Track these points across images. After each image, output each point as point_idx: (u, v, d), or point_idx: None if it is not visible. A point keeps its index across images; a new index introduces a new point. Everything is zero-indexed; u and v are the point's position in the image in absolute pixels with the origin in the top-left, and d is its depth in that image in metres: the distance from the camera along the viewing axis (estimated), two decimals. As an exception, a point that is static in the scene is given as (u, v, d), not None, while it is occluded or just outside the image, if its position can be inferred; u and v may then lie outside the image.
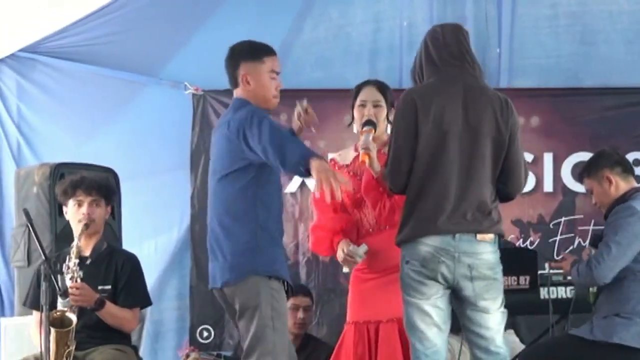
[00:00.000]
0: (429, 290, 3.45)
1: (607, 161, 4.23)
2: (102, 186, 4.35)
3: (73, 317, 3.90)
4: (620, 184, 4.21)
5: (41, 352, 3.68)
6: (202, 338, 6.00)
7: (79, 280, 4.03)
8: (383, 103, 4.04)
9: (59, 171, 4.98)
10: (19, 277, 5.03)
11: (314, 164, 3.33)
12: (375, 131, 3.94)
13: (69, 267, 4.05)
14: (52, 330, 3.84)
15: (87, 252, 4.26)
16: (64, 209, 4.32)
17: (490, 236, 3.48)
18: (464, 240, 3.44)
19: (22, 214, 4.09)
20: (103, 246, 4.32)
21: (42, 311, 3.67)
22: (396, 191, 3.59)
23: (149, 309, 4.62)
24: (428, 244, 3.44)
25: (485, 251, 3.47)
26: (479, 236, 3.46)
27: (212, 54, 6.10)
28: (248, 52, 3.70)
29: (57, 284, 3.75)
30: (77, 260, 4.05)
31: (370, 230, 4.01)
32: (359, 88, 4.07)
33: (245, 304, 3.50)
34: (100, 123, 6.11)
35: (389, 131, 4.06)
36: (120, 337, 4.24)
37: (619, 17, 6.06)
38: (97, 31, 5.97)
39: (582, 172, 4.32)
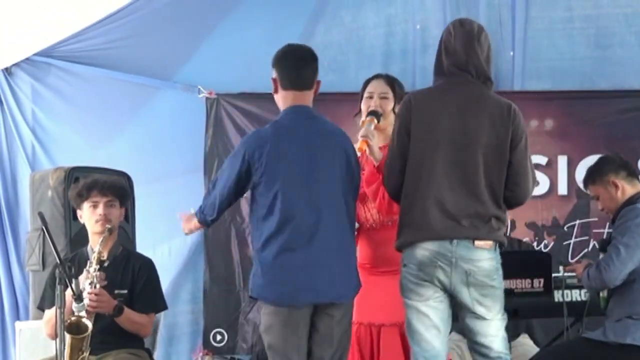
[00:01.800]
0: (426, 292, 3.47)
1: (611, 166, 4.23)
2: (117, 187, 4.35)
3: (89, 324, 3.89)
4: (627, 188, 4.20)
5: (56, 355, 3.69)
6: (216, 342, 6.01)
7: (97, 286, 4.02)
8: (390, 95, 4.02)
9: (73, 175, 4.99)
10: (33, 281, 5.05)
11: None
12: (378, 121, 3.94)
13: (89, 272, 4.05)
14: (67, 336, 3.83)
15: (103, 256, 4.24)
16: (78, 212, 4.32)
17: (488, 243, 3.47)
18: (461, 246, 3.45)
19: (37, 218, 4.08)
20: (119, 249, 4.32)
21: (57, 315, 3.67)
22: (390, 191, 3.63)
23: (162, 312, 4.62)
24: (426, 248, 3.46)
25: (482, 258, 3.46)
26: (476, 243, 3.46)
27: (225, 57, 6.16)
28: None
29: (72, 288, 3.75)
30: (97, 266, 4.05)
31: (374, 225, 3.99)
32: (367, 81, 4.08)
33: None
34: (114, 127, 6.13)
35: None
36: (134, 341, 4.24)
37: (634, 20, 6.05)
38: (111, 35, 6.00)
39: (586, 179, 4.30)
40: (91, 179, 4.39)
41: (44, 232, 4.51)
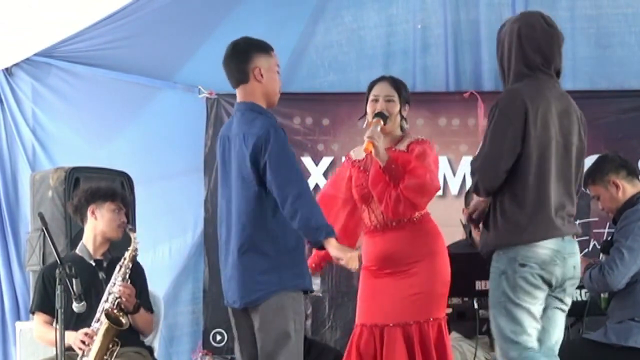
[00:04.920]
0: (541, 295, 3.45)
1: (612, 166, 4.21)
2: (129, 205, 4.53)
3: (125, 321, 4.10)
4: (627, 188, 4.19)
5: (56, 354, 3.70)
6: (216, 342, 6.01)
7: (129, 282, 4.21)
8: (396, 98, 4.02)
9: (73, 175, 4.99)
10: (34, 281, 5.04)
11: (334, 243, 3.41)
12: (385, 123, 3.94)
13: (121, 267, 4.21)
14: (105, 323, 4.06)
15: (97, 256, 4.37)
16: (91, 207, 4.35)
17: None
18: (567, 241, 3.46)
19: (37, 218, 4.11)
20: (109, 253, 4.43)
21: (57, 315, 3.68)
22: (486, 190, 3.47)
23: (162, 313, 4.65)
24: (547, 247, 3.42)
25: (577, 251, 3.52)
26: (574, 237, 3.50)
27: (226, 58, 6.17)
28: (259, 45, 3.62)
29: (72, 288, 3.77)
30: (130, 264, 4.22)
31: (378, 226, 3.99)
32: (373, 83, 4.08)
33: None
34: (114, 127, 6.14)
35: (405, 126, 4.07)
36: (135, 339, 4.31)
37: (634, 20, 6.05)
38: (112, 35, 6.00)
39: (586, 178, 4.27)
40: (112, 185, 4.58)
41: (44, 233, 4.51)
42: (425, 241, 3.98)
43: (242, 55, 3.59)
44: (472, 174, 3.50)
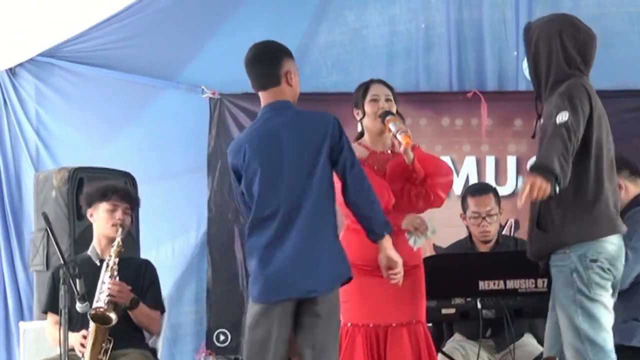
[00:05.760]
0: (610, 287, 3.44)
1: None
2: (133, 197, 4.45)
3: (113, 316, 4.04)
4: (630, 188, 4.18)
5: (60, 354, 3.70)
6: (219, 342, 6.01)
7: (117, 278, 4.14)
8: (392, 97, 4.06)
9: (77, 175, 5.00)
10: (37, 282, 5.05)
11: (390, 244, 3.50)
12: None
13: (108, 265, 4.16)
14: (92, 325, 4.01)
15: (105, 257, 4.32)
16: (89, 211, 4.35)
17: None
18: (621, 239, 3.47)
19: (41, 218, 4.12)
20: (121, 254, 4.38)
21: (61, 315, 3.69)
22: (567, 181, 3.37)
23: (166, 313, 4.65)
24: (613, 242, 3.42)
25: None
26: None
27: (228, 57, 6.15)
28: (286, 50, 3.64)
29: (76, 288, 3.77)
30: (117, 260, 4.16)
31: None
32: (367, 85, 4.09)
33: None
34: (117, 127, 6.14)
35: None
36: (138, 341, 4.30)
37: (637, 19, 6.04)
38: (115, 35, 6.01)
39: None
40: (110, 184, 4.48)
41: (48, 233, 4.53)
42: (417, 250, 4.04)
43: (274, 60, 3.60)
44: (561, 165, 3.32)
